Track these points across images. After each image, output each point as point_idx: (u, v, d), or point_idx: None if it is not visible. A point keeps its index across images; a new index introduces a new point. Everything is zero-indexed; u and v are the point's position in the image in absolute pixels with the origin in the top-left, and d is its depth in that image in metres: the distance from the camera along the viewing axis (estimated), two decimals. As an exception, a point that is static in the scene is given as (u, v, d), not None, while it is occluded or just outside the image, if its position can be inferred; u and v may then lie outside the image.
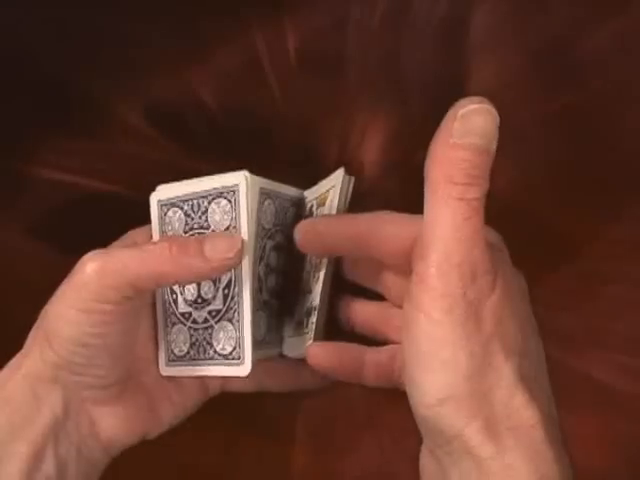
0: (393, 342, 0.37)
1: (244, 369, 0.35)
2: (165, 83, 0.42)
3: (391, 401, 0.37)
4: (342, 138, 0.42)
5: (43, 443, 0.33)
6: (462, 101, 0.28)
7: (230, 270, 0.34)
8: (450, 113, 0.28)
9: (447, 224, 0.28)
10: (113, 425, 0.35)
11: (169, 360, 0.38)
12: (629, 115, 0.40)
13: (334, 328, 0.39)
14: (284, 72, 0.41)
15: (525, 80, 0.40)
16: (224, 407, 0.40)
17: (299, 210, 0.40)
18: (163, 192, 0.38)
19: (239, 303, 0.35)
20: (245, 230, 0.34)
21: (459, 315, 0.28)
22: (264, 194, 0.36)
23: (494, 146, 0.28)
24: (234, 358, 0.35)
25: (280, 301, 0.39)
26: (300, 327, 0.39)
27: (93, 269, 0.32)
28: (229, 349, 0.35)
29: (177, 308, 0.37)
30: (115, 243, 0.37)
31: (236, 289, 0.35)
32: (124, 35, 0.42)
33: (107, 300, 0.32)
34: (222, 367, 0.35)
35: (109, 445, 0.36)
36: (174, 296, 0.37)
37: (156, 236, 0.37)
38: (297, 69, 0.41)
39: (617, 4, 0.38)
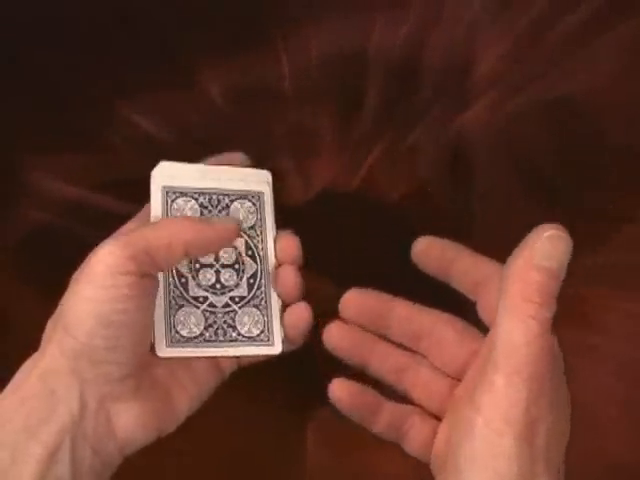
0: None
1: (275, 349, 0.38)
2: (175, 87, 0.43)
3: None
4: (355, 150, 0.43)
5: (58, 444, 0.32)
6: (545, 226, 0.31)
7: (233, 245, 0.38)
8: (534, 235, 0.31)
9: (521, 339, 0.31)
10: (130, 422, 0.35)
11: (171, 342, 0.37)
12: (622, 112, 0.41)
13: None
14: (303, 83, 0.42)
15: (529, 87, 0.41)
16: (229, 408, 0.41)
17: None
18: (169, 178, 0.38)
19: (266, 293, 0.38)
20: (272, 232, 0.39)
21: (517, 429, 0.30)
22: None
23: (564, 273, 0.31)
24: (262, 340, 0.38)
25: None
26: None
27: (110, 246, 0.33)
28: (256, 332, 0.38)
29: (187, 292, 0.38)
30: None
31: (262, 280, 0.38)
32: (134, 39, 0.43)
33: (126, 271, 0.33)
34: (251, 347, 0.38)
35: (125, 444, 0.35)
36: (183, 280, 0.38)
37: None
38: (317, 81, 0.42)
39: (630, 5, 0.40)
